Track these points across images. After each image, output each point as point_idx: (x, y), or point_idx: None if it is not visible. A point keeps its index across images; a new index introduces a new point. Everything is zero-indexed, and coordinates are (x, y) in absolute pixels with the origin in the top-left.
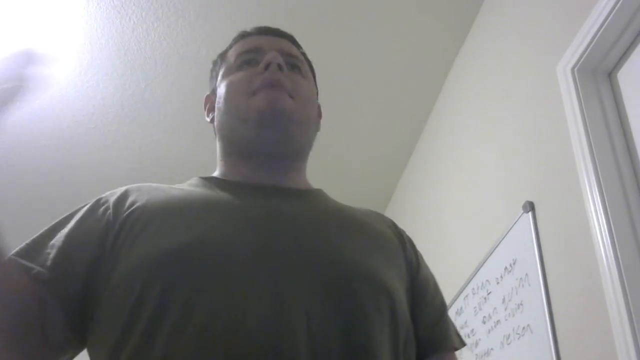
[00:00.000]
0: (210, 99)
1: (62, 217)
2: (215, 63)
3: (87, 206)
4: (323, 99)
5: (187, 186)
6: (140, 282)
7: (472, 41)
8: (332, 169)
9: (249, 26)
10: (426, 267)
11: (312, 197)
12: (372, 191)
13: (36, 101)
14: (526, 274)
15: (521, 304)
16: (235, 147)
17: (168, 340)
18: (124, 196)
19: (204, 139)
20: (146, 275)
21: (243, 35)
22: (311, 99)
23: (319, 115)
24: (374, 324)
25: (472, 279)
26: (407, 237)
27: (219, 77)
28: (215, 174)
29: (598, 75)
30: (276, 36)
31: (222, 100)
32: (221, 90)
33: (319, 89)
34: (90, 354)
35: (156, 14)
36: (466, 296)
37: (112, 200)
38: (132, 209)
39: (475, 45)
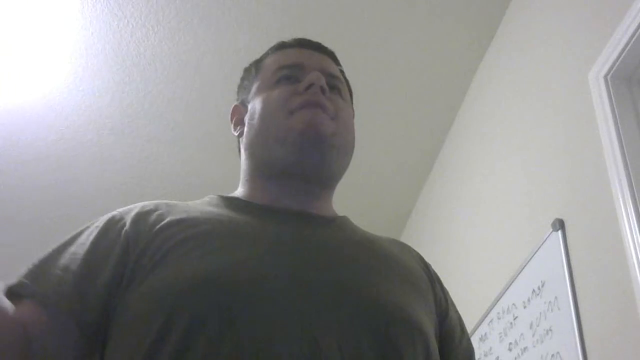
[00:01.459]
0: (239, 110)
1: (70, 237)
2: (248, 72)
3: (101, 225)
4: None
5: (208, 206)
6: (166, 309)
7: (496, 47)
8: (350, 182)
9: (264, 32)
10: (453, 305)
11: (341, 226)
12: (391, 206)
13: (27, 112)
14: (555, 297)
15: (550, 330)
16: (267, 168)
17: None
18: (143, 215)
19: (207, 153)
20: (173, 302)
21: (282, 46)
22: (351, 123)
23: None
24: None
25: (497, 302)
26: (435, 272)
27: (253, 90)
28: (239, 194)
29: (633, 83)
30: (318, 51)
31: (256, 116)
32: (256, 105)
33: None
34: None
35: (157, 16)
36: (491, 321)
37: (128, 218)
38: (155, 229)
39: (500, 51)
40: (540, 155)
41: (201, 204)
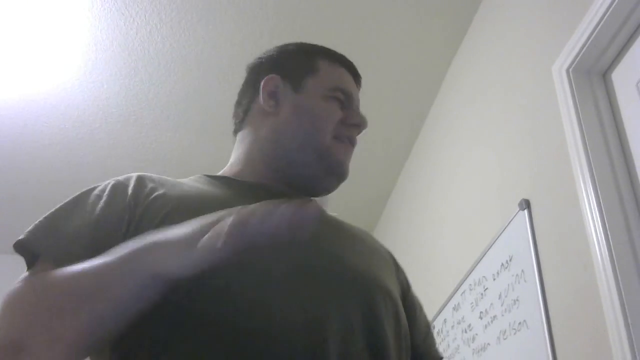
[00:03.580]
0: (278, 84)
1: (77, 198)
2: (299, 54)
3: (108, 188)
4: None
5: (195, 183)
6: None
7: (469, 43)
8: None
9: (257, 28)
10: (412, 289)
11: (329, 216)
12: (370, 191)
13: (41, 101)
14: (522, 271)
15: (517, 300)
16: (284, 163)
17: (194, 340)
18: (141, 183)
19: (206, 138)
20: None
21: (341, 62)
22: None
23: None
24: (387, 330)
25: (469, 275)
26: (397, 260)
27: (308, 84)
28: (229, 171)
29: (593, 75)
30: (359, 84)
31: (305, 115)
32: (308, 103)
33: None
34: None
35: (159, 15)
36: (463, 292)
37: (131, 184)
38: (152, 197)
39: (472, 46)
40: (508, 141)
41: (190, 182)
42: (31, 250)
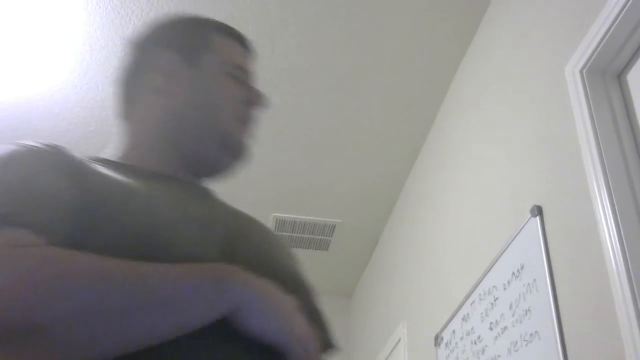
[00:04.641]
0: (172, 61)
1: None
2: (188, 29)
3: (45, 155)
4: (327, 98)
5: (106, 170)
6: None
7: (478, 43)
8: (338, 168)
9: (257, 26)
10: None
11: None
12: (376, 195)
13: (35, 104)
14: (534, 280)
15: (529, 310)
16: (183, 147)
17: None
18: (69, 157)
19: None
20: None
21: (234, 37)
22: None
23: None
24: None
25: (478, 284)
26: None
27: (203, 64)
28: (128, 157)
29: (607, 77)
30: (252, 55)
31: (203, 95)
32: (207, 82)
33: (318, 88)
34: None
35: (157, 13)
36: (473, 302)
37: (63, 164)
38: (85, 189)
39: (481, 47)
40: (520, 145)
41: (92, 165)
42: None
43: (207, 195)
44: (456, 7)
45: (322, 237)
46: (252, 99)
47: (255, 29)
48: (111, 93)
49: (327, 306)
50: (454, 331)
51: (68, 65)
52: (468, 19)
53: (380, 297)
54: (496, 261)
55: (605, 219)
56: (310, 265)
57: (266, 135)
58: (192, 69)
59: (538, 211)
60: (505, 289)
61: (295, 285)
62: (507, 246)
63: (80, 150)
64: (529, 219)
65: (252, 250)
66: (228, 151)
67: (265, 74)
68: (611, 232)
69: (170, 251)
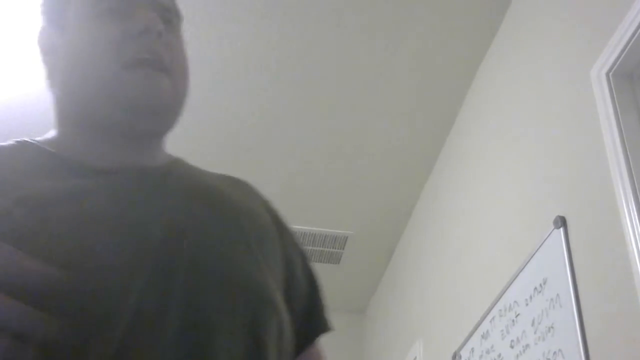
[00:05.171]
0: (49, 33)
1: None
2: None
3: None
4: (339, 104)
5: (24, 163)
6: None
7: (498, 45)
8: (350, 176)
9: (266, 25)
10: (297, 246)
11: (176, 175)
12: (391, 209)
13: (28, 106)
14: (557, 295)
15: (552, 327)
16: (92, 122)
17: None
18: None
19: (212, 148)
20: None
21: None
22: (187, 68)
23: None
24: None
25: (499, 299)
26: (278, 215)
27: (71, 16)
28: (56, 143)
29: (635, 79)
30: None
31: (80, 60)
32: (76, 40)
33: (328, 94)
34: None
35: None
36: (492, 318)
37: None
38: None
39: (502, 49)
40: (542, 152)
41: (22, 160)
42: None
43: (156, 180)
44: (475, 9)
45: (333, 250)
46: (135, 31)
47: (279, 30)
48: None
49: (339, 323)
50: (472, 349)
51: None
52: (487, 21)
53: (395, 313)
54: (517, 275)
55: (633, 231)
56: (321, 279)
57: (273, 143)
58: (63, 32)
59: (562, 222)
60: (527, 304)
61: (249, 297)
62: (529, 259)
63: None
64: (552, 230)
65: (198, 255)
66: (126, 109)
67: (273, 75)
68: (638, 244)
69: (79, 296)
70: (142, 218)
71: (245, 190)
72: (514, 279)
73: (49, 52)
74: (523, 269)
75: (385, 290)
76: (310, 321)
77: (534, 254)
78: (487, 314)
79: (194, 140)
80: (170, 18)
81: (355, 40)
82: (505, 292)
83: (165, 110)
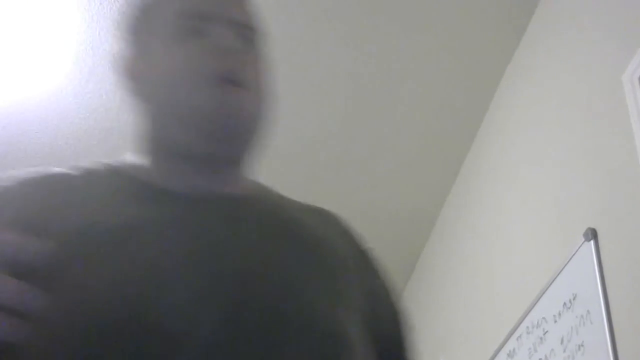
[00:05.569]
0: (129, 57)
1: None
2: (140, 10)
3: None
4: (357, 118)
5: (102, 187)
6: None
7: (525, 49)
8: (370, 190)
9: (286, 35)
10: (383, 284)
11: (256, 204)
12: (412, 219)
13: (28, 115)
14: (588, 311)
15: (582, 345)
16: (170, 145)
17: None
18: (31, 202)
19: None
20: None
21: None
22: (269, 86)
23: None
24: None
25: (526, 316)
26: (364, 248)
27: (152, 39)
28: (138, 166)
29: None
30: None
31: (155, 81)
32: (154, 63)
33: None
34: None
35: None
36: (519, 336)
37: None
38: (48, 234)
39: (529, 53)
40: (571, 160)
41: (97, 181)
42: None
43: (234, 209)
44: (500, 11)
45: None
46: (215, 49)
47: (299, 44)
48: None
49: None
50: None
51: (67, 70)
52: (512, 26)
53: (417, 330)
54: (545, 290)
55: None
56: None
57: (287, 154)
58: (140, 55)
59: (592, 235)
60: (555, 321)
61: (320, 331)
62: (558, 274)
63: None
64: (582, 243)
65: (270, 290)
66: (207, 126)
67: (292, 88)
68: None
69: (147, 328)
70: (217, 249)
71: (327, 220)
72: (542, 294)
73: (129, 78)
74: (551, 283)
75: (407, 306)
76: (393, 358)
77: (563, 268)
78: (514, 331)
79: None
80: (250, 36)
81: (373, 49)
82: (532, 308)
83: (244, 128)
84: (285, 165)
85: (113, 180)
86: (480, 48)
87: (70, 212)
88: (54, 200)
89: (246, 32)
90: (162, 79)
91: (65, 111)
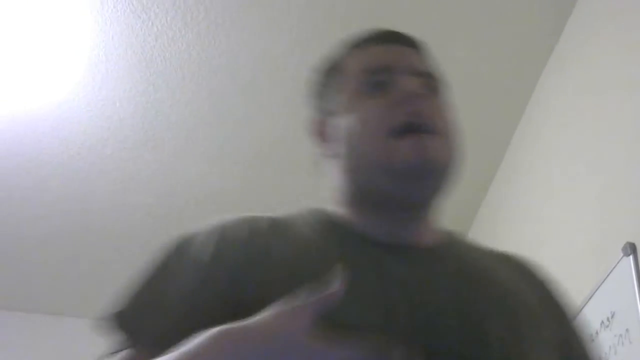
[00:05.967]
0: (322, 123)
1: (159, 261)
2: (325, 76)
3: (211, 240)
4: None
5: (311, 230)
6: None
7: (558, 60)
8: None
9: (307, 33)
10: (576, 333)
11: (450, 254)
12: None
13: (39, 124)
14: (627, 330)
15: None
16: (371, 196)
17: None
18: (253, 231)
19: (243, 170)
20: None
21: (363, 43)
22: (456, 133)
23: None
24: None
25: None
26: (559, 294)
27: (338, 100)
28: (342, 216)
29: None
30: (406, 45)
31: (349, 135)
32: (346, 121)
33: None
34: None
35: (184, 18)
36: None
37: (237, 236)
38: (255, 267)
39: (566, 54)
40: (610, 171)
41: (304, 224)
42: (129, 330)
43: (426, 260)
44: (536, 9)
45: None
46: (400, 99)
47: (323, 38)
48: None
49: None
50: None
51: (79, 78)
52: (553, 18)
53: None
54: (582, 308)
55: None
56: None
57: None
58: (334, 114)
59: (631, 249)
60: (592, 340)
61: None
62: (595, 290)
63: (95, 179)
64: (621, 258)
65: (459, 343)
66: (398, 178)
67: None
68: None
69: None
70: (407, 299)
71: (519, 267)
72: (579, 312)
73: (324, 139)
74: (588, 301)
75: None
76: None
77: (601, 284)
78: None
79: (222, 158)
80: (435, 85)
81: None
82: None
83: (435, 173)
84: None
85: (316, 223)
86: (515, 51)
87: (275, 251)
88: (259, 239)
89: (429, 81)
90: (354, 132)
91: (76, 120)
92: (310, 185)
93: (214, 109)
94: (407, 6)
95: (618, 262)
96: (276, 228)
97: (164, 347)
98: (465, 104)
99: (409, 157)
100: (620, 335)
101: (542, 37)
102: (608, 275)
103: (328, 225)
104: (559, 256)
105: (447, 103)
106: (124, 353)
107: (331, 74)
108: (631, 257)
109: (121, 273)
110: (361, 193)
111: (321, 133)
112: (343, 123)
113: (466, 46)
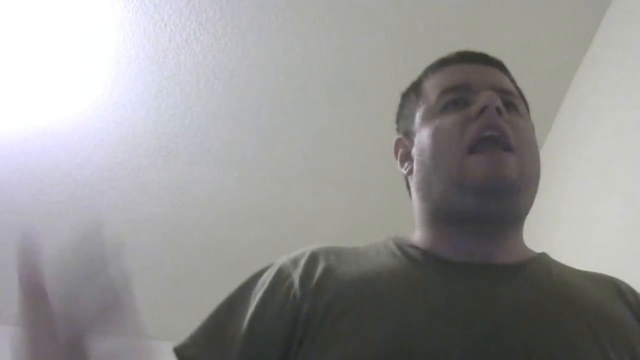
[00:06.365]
0: (404, 143)
1: (236, 291)
2: (406, 98)
3: (268, 281)
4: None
5: (381, 256)
6: None
7: (596, 49)
8: None
9: (325, 35)
10: None
11: (534, 273)
12: None
13: (48, 130)
14: None
15: None
16: (444, 213)
17: None
18: (310, 269)
19: (259, 177)
20: None
21: (442, 64)
22: (535, 146)
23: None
24: None
25: None
26: None
27: (417, 119)
28: (416, 239)
29: None
30: (484, 64)
31: (426, 152)
32: (424, 138)
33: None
34: None
35: (199, 19)
36: None
37: (296, 274)
38: (323, 291)
39: (600, 54)
40: None
41: (375, 252)
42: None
43: (507, 278)
44: (574, 6)
45: None
46: (476, 113)
47: (341, 42)
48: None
49: None
50: None
51: (90, 83)
52: (587, 17)
53: None
54: None
55: None
56: None
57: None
58: (415, 135)
59: None
60: None
61: None
62: None
63: (106, 188)
64: None
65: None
66: (474, 194)
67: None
68: None
69: None
70: (496, 317)
71: (607, 287)
72: None
73: (405, 159)
74: None
75: None
76: None
77: None
78: None
79: (239, 165)
80: (513, 101)
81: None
82: None
83: (508, 190)
84: None
85: (385, 248)
86: (548, 48)
87: (346, 270)
88: (333, 262)
89: (508, 97)
90: (429, 147)
91: (86, 126)
92: (322, 194)
93: (229, 114)
94: (443, 6)
95: None
96: (343, 255)
97: None
98: None
99: (482, 173)
100: None
101: (576, 36)
102: None
103: (396, 247)
104: (602, 264)
105: (527, 121)
106: None
107: (411, 95)
108: None
109: (131, 287)
110: (436, 210)
111: (401, 153)
112: (420, 142)
113: (500, 45)
